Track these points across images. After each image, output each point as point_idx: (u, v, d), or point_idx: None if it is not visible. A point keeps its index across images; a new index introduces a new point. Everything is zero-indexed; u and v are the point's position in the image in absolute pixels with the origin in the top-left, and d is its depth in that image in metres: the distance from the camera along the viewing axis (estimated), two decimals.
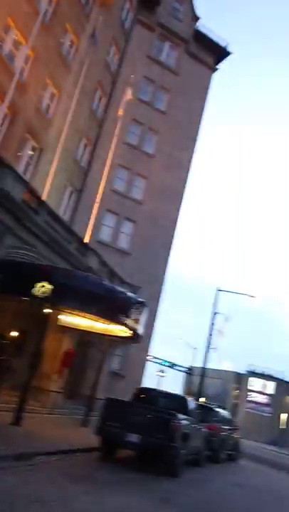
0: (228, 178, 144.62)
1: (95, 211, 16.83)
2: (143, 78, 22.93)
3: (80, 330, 12.31)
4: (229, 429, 13.74)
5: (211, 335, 21.73)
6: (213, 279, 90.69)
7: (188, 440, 8.62)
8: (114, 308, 10.11)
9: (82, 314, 10.66)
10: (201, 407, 12.43)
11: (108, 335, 11.86)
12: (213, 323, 21.98)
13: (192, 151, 24.66)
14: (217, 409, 14.13)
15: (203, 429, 10.54)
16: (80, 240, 14.67)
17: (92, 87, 18.93)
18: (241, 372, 58.53)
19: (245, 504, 7.69)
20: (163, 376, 48.15)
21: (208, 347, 21.50)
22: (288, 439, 43.95)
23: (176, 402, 9.68)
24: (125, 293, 11.09)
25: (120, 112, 17.99)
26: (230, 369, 59.01)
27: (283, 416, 52.35)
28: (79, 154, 19.14)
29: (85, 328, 11.95)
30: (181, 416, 8.20)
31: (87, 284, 10.47)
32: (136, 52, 22.74)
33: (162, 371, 48.39)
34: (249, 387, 56.70)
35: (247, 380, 57.41)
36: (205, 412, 12.00)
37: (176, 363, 51.37)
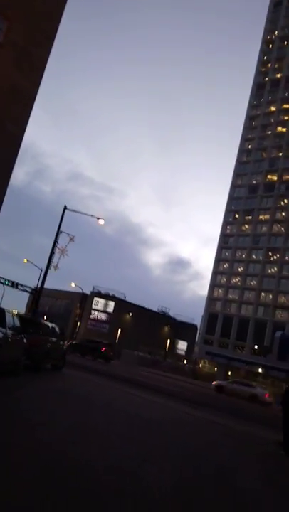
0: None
1: None
2: None
3: None
4: (55, 342, 14.14)
5: (53, 253, 21.42)
6: (74, 202, 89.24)
7: (2, 350, 8.65)
8: None
9: None
10: (25, 320, 12.34)
11: None
12: (56, 242, 21.60)
13: (48, 50, 21.88)
14: (45, 323, 14.46)
15: (22, 341, 10.54)
16: None
17: None
18: (87, 293, 61.68)
19: (50, 406, 7.99)
20: None
21: (48, 265, 21.23)
22: (122, 350, 49.17)
23: None
24: None
25: None
26: (77, 290, 61.47)
27: (119, 331, 58.15)
28: None
29: None
30: None
31: None
32: None
33: None
34: (93, 307, 60.43)
35: (92, 300, 60.89)
36: (29, 326, 12.10)
37: (21, 282, 50.40)
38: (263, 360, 58.98)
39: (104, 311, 59.13)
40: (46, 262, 21.36)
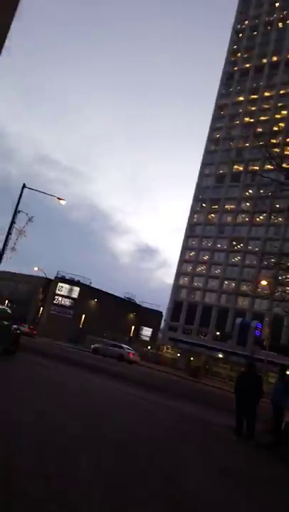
0: None
1: None
2: None
3: None
4: (6, 325, 13.89)
5: (9, 234, 20.85)
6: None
7: None
8: None
9: None
10: None
11: None
12: (13, 222, 21.04)
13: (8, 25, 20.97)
14: None
15: None
16: None
17: None
18: (51, 278, 60.86)
19: None
20: None
21: (4, 246, 20.68)
22: (86, 336, 49.10)
23: None
24: None
25: None
26: (41, 275, 60.51)
27: (83, 317, 57.86)
28: None
29: None
30: None
31: None
32: None
33: None
34: (57, 292, 59.74)
35: (56, 285, 60.15)
36: None
37: None
38: (223, 346, 60.72)
39: (68, 297, 58.68)
40: (3, 243, 20.78)
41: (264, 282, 32.47)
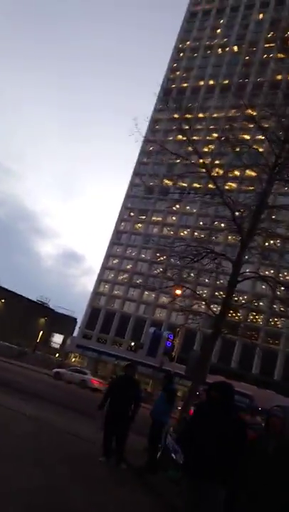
0: None
1: None
2: None
3: None
4: None
5: None
6: None
7: None
8: None
9: None
10: None
11: None
12: None
13: None
14: None
15: None
16: None
17: None
18: None
19: None
20: None
21: None
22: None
23: None
24: None
25: None
26: None
27: None
28: None
29: None
30: None
31: None
32: None
33: None
34: None
35: None
36: None
37: None
38: (134, 356, 59.57)
39: None
40: None
41: (178, 292, 31.90)
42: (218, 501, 3.85)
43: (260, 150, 13.19)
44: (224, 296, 11.10)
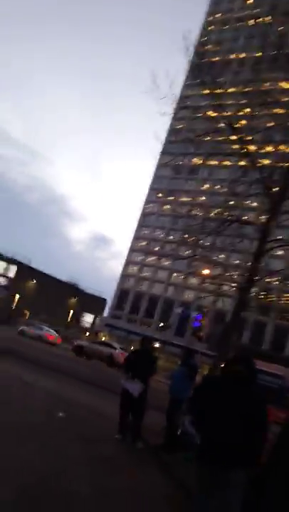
0: None
1: None
2: None
3: None
4: None
5: None
6: None
7: None
8: None
9: None
10: None
11: None
12: None
13: None
14: None
15: None
16: None
17: None
18: None
19: None
20: None
21: None
22: (17, 317, 45.86)
23: None
24: None
25: None
26: None
27: (18, 297, 54.33)
28: None
29: None
30: None
31: None
32: None
33: None
34: None
35: None
36: None
37: None
38: (161, 336, 59.50)
39: (3, 275, 54.82)
40: None
41: (206, 271, 31.16)
42: (240, 489, 3.37)
43: None
44: (250, 267, 10.32)
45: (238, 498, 3.35)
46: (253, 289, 10.74)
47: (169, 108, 13.64)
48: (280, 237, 14.18)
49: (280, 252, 56.62)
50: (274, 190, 10.06)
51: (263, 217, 10.96)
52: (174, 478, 5.33)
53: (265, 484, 3.13)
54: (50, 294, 56.79)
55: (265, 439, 3.40)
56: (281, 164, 11.60)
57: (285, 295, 58.14)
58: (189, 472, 4.94)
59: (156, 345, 59.09)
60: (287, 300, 58.84)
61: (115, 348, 27.74)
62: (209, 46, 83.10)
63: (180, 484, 4.99)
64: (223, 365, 3.92)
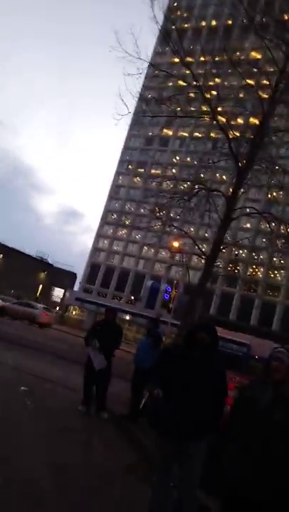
0: None
1: None
2: None
3: None
4: None
5: None
6: None
7: None
8: None
9: None
10: None
11: None
12: None
13: None
14: None
15: None
16: None
17: None
18: None
19: None
20: None
21: None
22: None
23: None
24: None
25: None
26: None
27: None
28: None
29: None
30: None
31: None
32: None
33: None
34: None
35: None
36: None
37: None
38: (132, 308, 59.98)
39: None
40: None
41: (176, 244, 31.19)
42: (201, 460, 3.35)
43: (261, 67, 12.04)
44: (216, 235, 10.30)
45: (198, 468, 3.34)
46: (221, 261, 10.79)
47: (136, 70, 13.05)
48: (246, 206, 14.26)
49: (247, 225, 57.82)
50: (241, 160, 9.98)
51: (231, 189, 10.99)
52: (138, 449, 5.27)
53: (223, 450, 3.09)
54: (18, 269, 55.68)
55: (225, 404, 3.37)
56: (248, 136, 11.60)
57: (252, 266, 59.64)
58: (153, 442, 4.88)
59: (127, 317, 59.70)
60: (253, 272, 60.42)
61: (37, 308, 28.25)
62: (178, 13, 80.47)
63: (144, 455, 4.93)
64: (185, 334, 3.83)
